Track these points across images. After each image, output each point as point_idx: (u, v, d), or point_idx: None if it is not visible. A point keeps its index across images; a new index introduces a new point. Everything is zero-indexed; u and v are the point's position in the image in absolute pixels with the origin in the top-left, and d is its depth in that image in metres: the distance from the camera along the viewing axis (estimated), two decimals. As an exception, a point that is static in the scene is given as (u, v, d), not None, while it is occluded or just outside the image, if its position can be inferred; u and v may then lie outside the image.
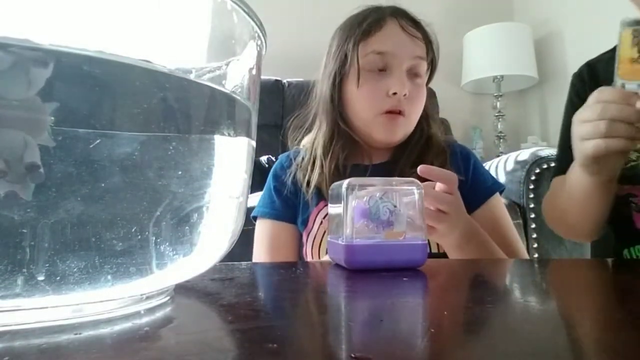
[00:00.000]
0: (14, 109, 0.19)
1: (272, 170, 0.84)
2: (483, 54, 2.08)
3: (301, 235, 0.77)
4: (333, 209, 0.48)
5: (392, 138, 0.75)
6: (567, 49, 2.06)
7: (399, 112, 0.73)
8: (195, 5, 0.26)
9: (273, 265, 0.50)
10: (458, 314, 0.26)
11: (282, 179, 0.79)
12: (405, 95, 0.72)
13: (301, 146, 0.84)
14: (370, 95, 0.74)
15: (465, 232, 0.61)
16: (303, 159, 0.79)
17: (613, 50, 0.79)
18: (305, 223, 0.76)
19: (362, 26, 0.75)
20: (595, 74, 0.77)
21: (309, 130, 0.84)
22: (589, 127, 0.55)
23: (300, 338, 0.21)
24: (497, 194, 0.78)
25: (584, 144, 0.56)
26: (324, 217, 0.74)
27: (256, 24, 0.28)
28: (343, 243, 0.42)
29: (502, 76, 2.09)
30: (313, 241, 0.74)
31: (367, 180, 0.45)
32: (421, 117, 0.81)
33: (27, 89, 0.18)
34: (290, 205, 0.78)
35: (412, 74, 0.75)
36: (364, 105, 0.75)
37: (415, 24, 0.77)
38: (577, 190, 0.66)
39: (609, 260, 0.66)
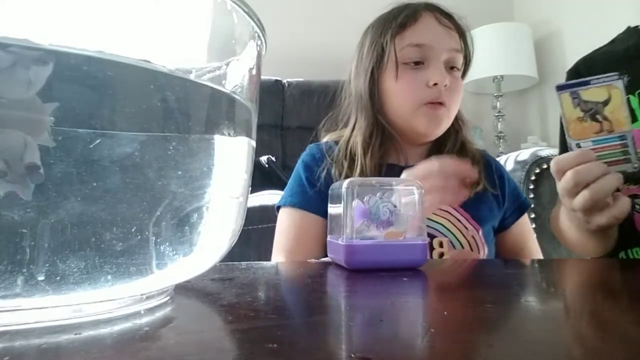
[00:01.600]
0: (14, 109, 0.19)
1: (301, 161, 0.81)
2: (483, 54, 2.08)
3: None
4: (333, 209, 0.48)
5: (435, 129, 0.74)
6: (567, 49, 2.06)
7: (440, 103, 0.72)
8: (195, 5, 0.26)
9: (273, 266, 0.50)
10: (458, 314, 0.26)
11: (314, 171, 0.77)
12: (445, 86, 0.71)
13: (324, 140, 0.83)
14: (410, 87, 0.73)
15: None
16: (337, 155, 0.77)
17: (609, 45, 0.79)
18: None
19: (398, 19, 0.75)
20: (593, 67, 0.77)
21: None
22: (580, 202, 0.53)
23: (300, 338, 0.21)
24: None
25: (591, 221, 0.55)
26: None
27: (256, 24, 0.28)
28: (343, 243, 0.42)
29: (502, 76, 2.09)
30: None
31: (367, 180, 0.45)
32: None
33: (27, 89, 0.18)
34: (323, 198, 0.76)
35: (450, 66, 0.74)
36: (403, 98, 0.74)
37: (449, 17, 0.77)
38: (576, 243, 0.68)
39: (609, 260, 0.66)
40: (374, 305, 0.28)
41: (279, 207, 0.78)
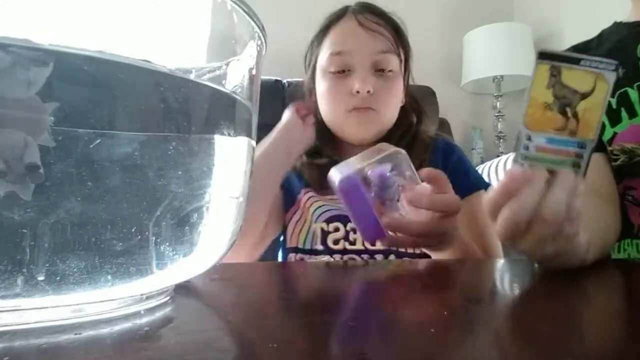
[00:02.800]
0: (14, 109, 0.19)
1: None
2: (483, 54, 2.08)
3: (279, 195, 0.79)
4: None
5: (365, 134, 0.75)
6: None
7: (368, 108, 0.73)
8: (195, 5, 0.26)
9: (273, 266, 0.50)
10: (458, 314, 0.26)
11: None
12: (369, 92, 0.71)
13: None
14: (335, 95, 0.74)
15: (460, 239, 0.59)
16: None
17: (597, 38, 0.75)
18: (292, 202, 0.78)
19: (320, 28, 0.77)
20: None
21: None
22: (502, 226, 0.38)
23: (300, 338, 0.21)
24: (482, 192, 0.76)
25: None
26: (307, 200, 0.77)
27: (256, 24, 0.28)
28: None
29: (502, 76, 2.09)
30: (295, 225, 0.76)
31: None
32: (409, 110, 0.81)
33: (27, 89, 0.18)
34: (288, 181, 0.80)
35: (379, 69, 0.74)
36: (330, 105, 0.76)
37: (380, 16, 0.76)
38: None
39: (607, 260, 0.66)
40: (374, 305, 0.28)
41: None
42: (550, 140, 0.41)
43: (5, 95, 0.18)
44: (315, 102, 0.80)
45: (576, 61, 0.40)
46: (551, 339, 0.20)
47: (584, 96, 0.41)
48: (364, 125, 0.74)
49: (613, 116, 0.66)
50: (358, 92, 0.71)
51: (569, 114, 0.41)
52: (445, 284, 0.40)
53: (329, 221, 0.73)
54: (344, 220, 0.72)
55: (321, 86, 0.77)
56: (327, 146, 0.79)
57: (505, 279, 0.43)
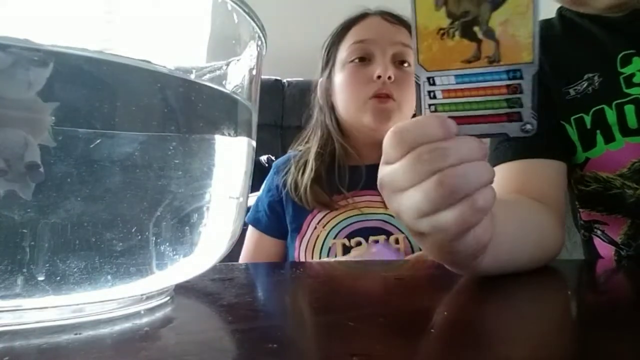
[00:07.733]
0: (14, 109, 0.19)
1: (268, 177, 0.85)
2: (483, 54, 2.08)
3: (285, 242, 0.80)
4: None
5: (384, 124, 0.73)
6: (567, 49, 2.06)
7: (388, 96, 0.73)
8: (195, 5, 0.26)
9: (273, 266, 0.50)
10: (458, 314, 0.26)
11: (274, 189, 0.81)
12: (390, 78, 0.71)
13: (297, 150, 0.85)
14: (355, 81, 0.74)
15: None
16: (297, 163, 0.80)
17: (561, 20, 0.60)
18: (298, 229, 0.76)
19: (345, 22, 0.79)
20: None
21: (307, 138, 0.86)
22: (420, 199, 0.27)
23: (300, 338, 0.21)
24: None
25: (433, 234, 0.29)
26: (317, 222, 0.75)
27: (256, 24, 0.28)
28: None
29: (502, 76, 2.09)
30: (307, 245, 0.76)
31: None
32: None
33: (28, 88, 0.18)
34: (281, 220, 0.79)
35: (399, 61, 0.75)
36: (350, 92, 0.75)
37: (400, 18, 0.78)
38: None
39: (607, 261, 0.66)
40: (374, 305, 0.28)
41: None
42: (461, 77, 0.29)
43: (5, 95, 0.18)
44: (332, 103, 0.80)
45: None
46: (552, 341, 0.20)
47: (496, 3, 0.28)
48: (382, 114, 0.73)
49: (586, 138, 0.56)
50: (379, 76, 0.71)
51: (480, 35, 0.28)
52: (447, 284, 0.40)
53: (350, 237, 0.73)
54: (365, 234, 0.73)
55: (340, 77, 0.77)
56: (338, 153, 0.78)
57: (508, 280, 0.43)
